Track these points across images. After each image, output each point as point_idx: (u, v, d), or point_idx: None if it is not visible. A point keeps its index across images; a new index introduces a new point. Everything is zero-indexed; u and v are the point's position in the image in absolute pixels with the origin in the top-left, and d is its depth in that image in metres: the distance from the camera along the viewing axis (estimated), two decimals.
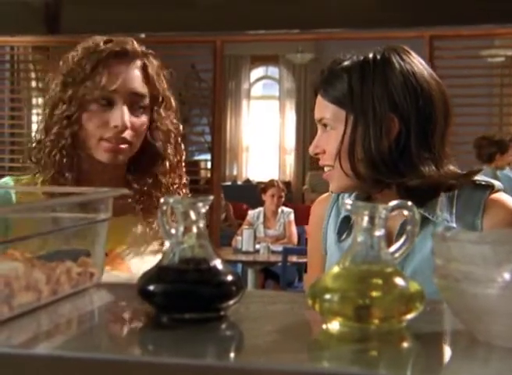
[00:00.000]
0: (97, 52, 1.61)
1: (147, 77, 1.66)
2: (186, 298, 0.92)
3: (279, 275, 6.14)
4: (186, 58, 8.64)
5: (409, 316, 0.89)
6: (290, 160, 12.12)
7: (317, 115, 1.60)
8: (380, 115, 1.49)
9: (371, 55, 1.54)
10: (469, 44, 7.31)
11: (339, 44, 10.12)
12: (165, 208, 0.97)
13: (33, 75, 8.20)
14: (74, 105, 1.60)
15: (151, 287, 0.93)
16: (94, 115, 1.61)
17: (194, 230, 0.94)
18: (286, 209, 6.99)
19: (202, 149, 9.70)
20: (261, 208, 7.04)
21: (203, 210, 0.95)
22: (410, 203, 0.93)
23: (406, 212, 0.93)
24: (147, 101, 1.66)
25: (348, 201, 0.94)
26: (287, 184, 11.28)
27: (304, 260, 6.38)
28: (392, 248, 0.94)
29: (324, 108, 1.57)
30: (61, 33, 6.83)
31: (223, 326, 0.94)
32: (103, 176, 1.66)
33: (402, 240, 0.94)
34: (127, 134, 1.62)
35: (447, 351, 0.86)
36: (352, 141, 1.52)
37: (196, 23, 6.77)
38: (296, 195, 11.67)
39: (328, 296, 0.89)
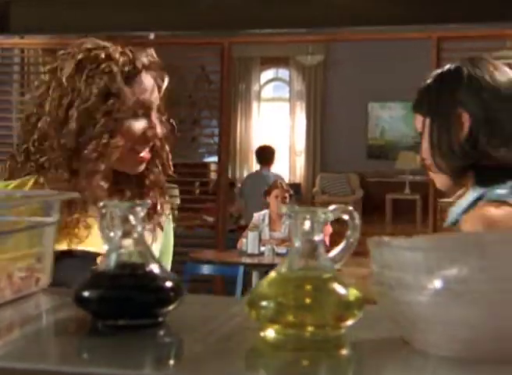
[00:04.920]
0: (132, 64, 1.61)
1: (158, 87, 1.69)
2: (120, 303, 0.90)
3: None
4: (196, 59, 8.62)
5: (347, 323, 0.87)
6: (300, 162, 12.10)
7: (417, 129, 1.78)
8: (449, 113, 1.67)
9: (445, 67, 1.74)
10: (478, 46, 7.25)
11: (349, 46, 10.14)
12: (104, 211, 0.95)
13: (42, 77, 8.17)
14: (118, 117, 1.58)
15: (86, 294, 0.91)
16: (131, 126, 1.61)
17: (133, 234, 0.93)
18: None
19: (212, 151, 9.69)
20: (266, 211, 7.00)
21: (142, 214, 0.93)
22: (350, 208, 0.91)
23: (346, 217, 0.91)
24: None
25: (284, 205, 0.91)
26: (297, 186, 11.26)
27: None
28: (332, 254, 0.92)
29: (416, 121, 1.77)
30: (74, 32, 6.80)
31: (160, 332, 0.92)
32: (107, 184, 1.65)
33: (342, 245, 0.92)
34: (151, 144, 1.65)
35: (382, 360, 0.84)
36: (431, 141, 1.70)
37: (202, 23, 6.71)
38: (306, 197, 11.64)
39: (263, 303, 0.87)
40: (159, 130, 1.64)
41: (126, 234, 0.93)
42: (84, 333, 0.93)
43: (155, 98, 1.66)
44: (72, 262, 1.45)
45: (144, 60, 1.63)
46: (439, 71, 1.74)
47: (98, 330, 0.92)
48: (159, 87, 1.67)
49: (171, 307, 0.92)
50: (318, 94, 11.86)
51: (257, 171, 9.02)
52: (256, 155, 9.12)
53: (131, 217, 0.93)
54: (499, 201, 1.60)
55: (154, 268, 0.93)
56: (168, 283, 0.92)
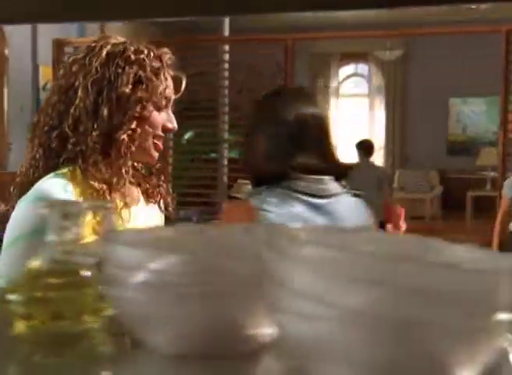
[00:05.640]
0: (159, 59, 1.71)
1: None
2: None
3: None
4: (270, 56, 8.62)
5: (101, 316, 0.86)
6: (379, 158, 11.93)
7: None
8: (252, 134, 1.99)
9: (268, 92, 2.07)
10: None
11: (427, 41, 9.95)
12: None
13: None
14: (148, 107, 1.67)
15: None
16: (155, 116, 1.70)
17: None
18: None
19: None
20: None
21: None
22: (108, 205, 0.89)
23: (102, 212, 0.89)
24: None
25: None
26: None
27: None
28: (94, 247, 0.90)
29: None
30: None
31: None
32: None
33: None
34: None
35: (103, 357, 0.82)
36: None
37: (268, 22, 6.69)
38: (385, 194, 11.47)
39: (11, 297, 0.86)
40: (176, 123, 1.75)
41: None
42: None
43: (173, 94, 1.75)
44: None
45: (167, 57, 1.73)
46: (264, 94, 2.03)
47: None
48: (176, 87, 1.76)
49: None
50: (397, 89, 11.67)
51: (359, 163, 8.84)
52: (359, 147, 8.91)
53: None
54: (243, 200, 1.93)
55: None
56: None
